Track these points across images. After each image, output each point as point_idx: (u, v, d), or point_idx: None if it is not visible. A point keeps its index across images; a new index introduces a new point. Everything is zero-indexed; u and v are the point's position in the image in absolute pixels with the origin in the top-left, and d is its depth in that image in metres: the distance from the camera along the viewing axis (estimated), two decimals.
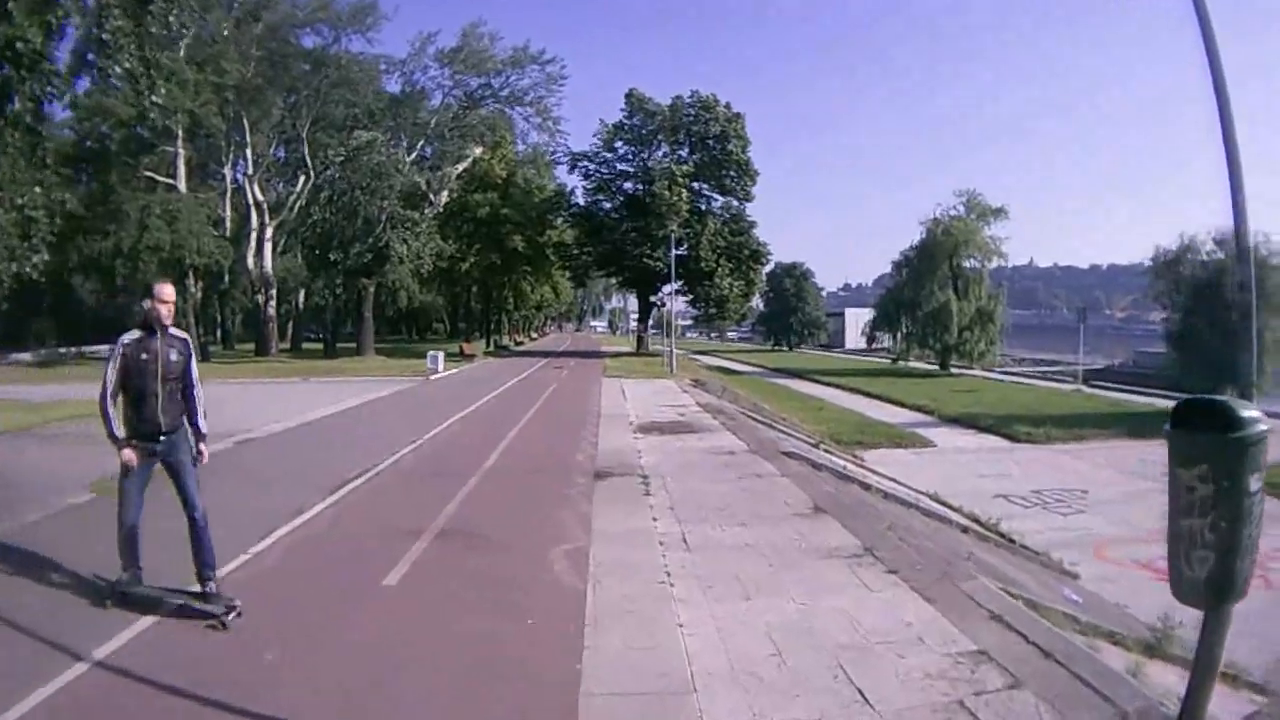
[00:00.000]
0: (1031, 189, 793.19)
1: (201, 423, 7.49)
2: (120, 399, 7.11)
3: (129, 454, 7.00)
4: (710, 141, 66.16)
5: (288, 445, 18.08)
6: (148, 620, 6.95)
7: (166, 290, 7.28)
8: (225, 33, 48.05)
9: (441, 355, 43.62)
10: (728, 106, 66.89)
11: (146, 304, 7.19)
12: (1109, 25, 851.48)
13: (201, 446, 7.52)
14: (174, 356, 7.24)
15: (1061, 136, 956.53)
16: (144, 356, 7.07)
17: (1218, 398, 4.33)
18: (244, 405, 24.30)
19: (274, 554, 9.13)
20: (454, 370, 44.69)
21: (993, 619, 6.94)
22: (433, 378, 39.71)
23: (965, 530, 14.67)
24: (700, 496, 12.11)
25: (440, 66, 62.27)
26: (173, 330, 7.33)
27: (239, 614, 7.01)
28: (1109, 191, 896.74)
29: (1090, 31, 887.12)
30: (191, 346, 7.56)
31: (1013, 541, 15.63)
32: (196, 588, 7.26)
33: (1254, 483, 4.11)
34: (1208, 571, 4.22)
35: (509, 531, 10.16)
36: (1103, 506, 20.68)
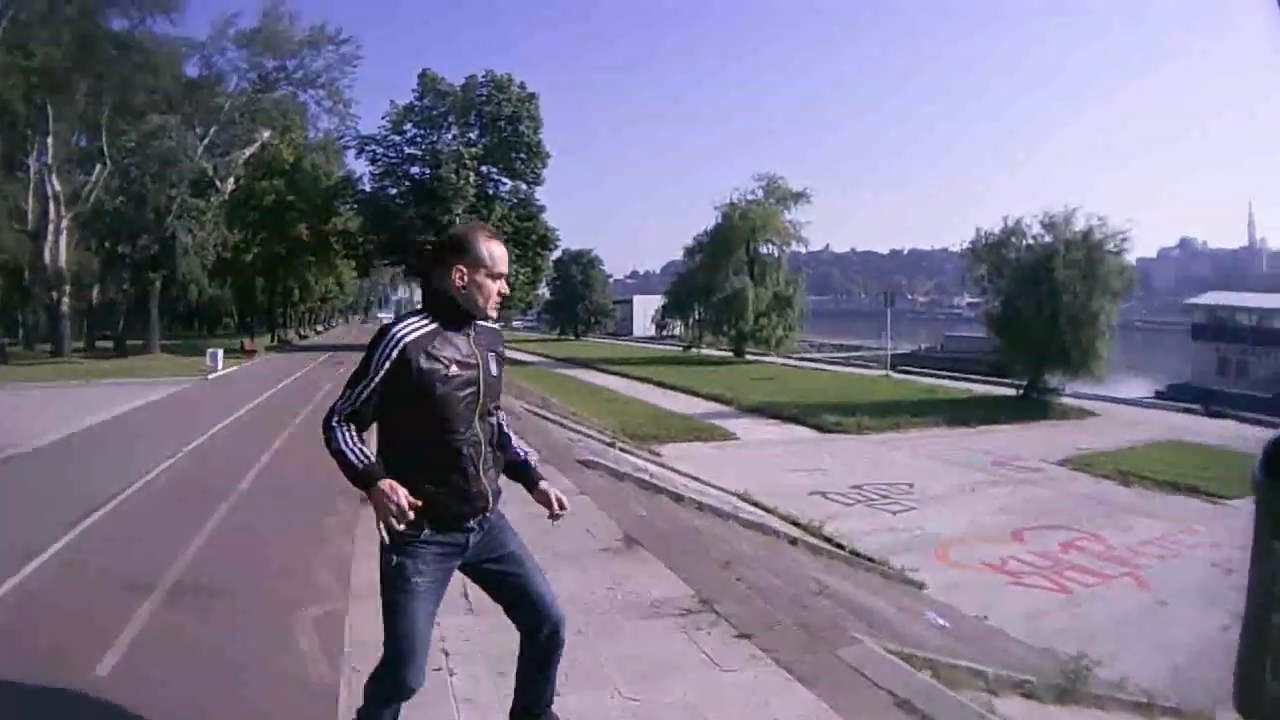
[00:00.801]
0: (830, 173, 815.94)
1: (529, 454, 4.72)
2: (382, 450, 4.01)
3: (397, 498, 3.66)
4: (501, 123, 65.86)
5: (53, 461, 16.82)
6: None
7: (500, 252, 4.07)
8: (40, 11, 46.97)
9: (221, 353, 43.02)
10: (522, 86, 67.00)
11: (458, 275, 3.95)
12: (917, 13, 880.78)
13: (550, 490, 4.56)
14: (494, 368, 4.15)
15: (863, 123, 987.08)
16: (451, 370, 3.90)
17: None
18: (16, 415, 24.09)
19: None
20: (233, 368, 43.86)
21: (898, 706, 5.30)
22: (211, 376, 39.00)
23: (794, 542, 13.18)
24: None
25: (239, 49, 60.84)
26: (482, 322, 4.16)
27: None
28: (911, 177, 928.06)
29: (897, 20, 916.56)
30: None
31: (841, 547, 14.30)
32: None
33: None
34: None
35: (252, 586, 8.29)
36: (933, 501, 19.65)
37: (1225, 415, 37.74)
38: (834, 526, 15.69)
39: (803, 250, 71.88)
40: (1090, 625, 11.68)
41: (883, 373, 52.08)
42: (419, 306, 4.13)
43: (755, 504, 16.90)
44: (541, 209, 68.80)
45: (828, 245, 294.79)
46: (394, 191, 67.38)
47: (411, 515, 3.64)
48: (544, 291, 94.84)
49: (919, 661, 6.45)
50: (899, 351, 64.28)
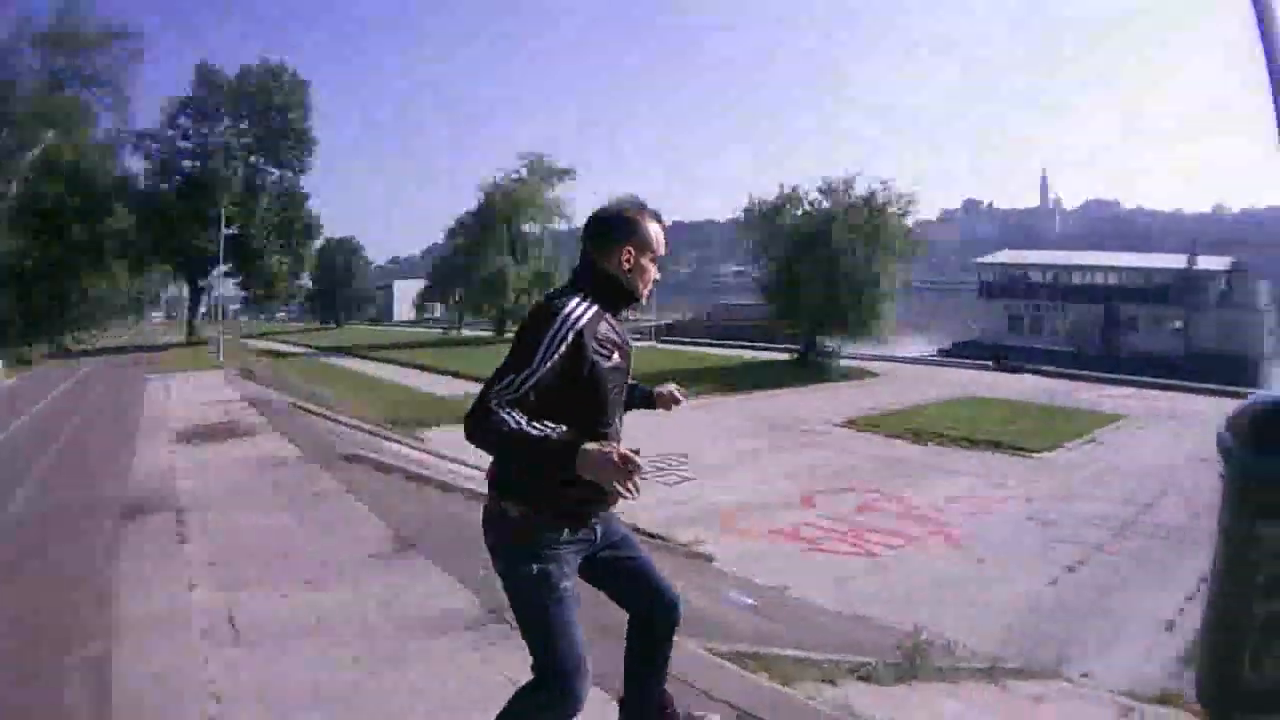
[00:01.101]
0: (592, 149, 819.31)
1: None
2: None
3: (613, 449, 3.02)
4: (272, 112, 66.09)
5: None
6: None
7: (663, 236, 3.76)
8: None
9: None
10: (294, 74, 67.41)
11: (626, 256, 3.61)
12: None
13: (664, 389, 4.33)
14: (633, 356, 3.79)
15: (625, 98, 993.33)
16: (614, 358, 3.53)
17: None
18: None
19: None
20: (7, 381, 42.29)
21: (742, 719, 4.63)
22: None
23: None
24: (250, 537, 9.25)
25: (33, 49, 59.68)
26: None
27: None
28: (675, 150, 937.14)
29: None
30: None
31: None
32: None
33: None
34: None
35: (12, 631, 7.06)
36: (712, 470, 19.29)
37: (1020, 370, 38.93)
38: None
39: (566, 227, 71.53)
40: (904, 589, 11.40)
41: (648, 343, 52.89)
42: (568, 285, 3.63)
43: None
44: (306, 197, 69.31)
45: None
46: (166, 187, 66.41)
47: (642, 462, 2.99)
48: (307, 281, 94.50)
49: (751, 662, 5.82)
50: (664, 322, 65.35)
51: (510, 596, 3.55)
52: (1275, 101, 3.09)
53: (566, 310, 3.35)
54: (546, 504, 3.40)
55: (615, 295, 3.58)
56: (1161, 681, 8.17)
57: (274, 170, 68.63)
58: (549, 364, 3.24)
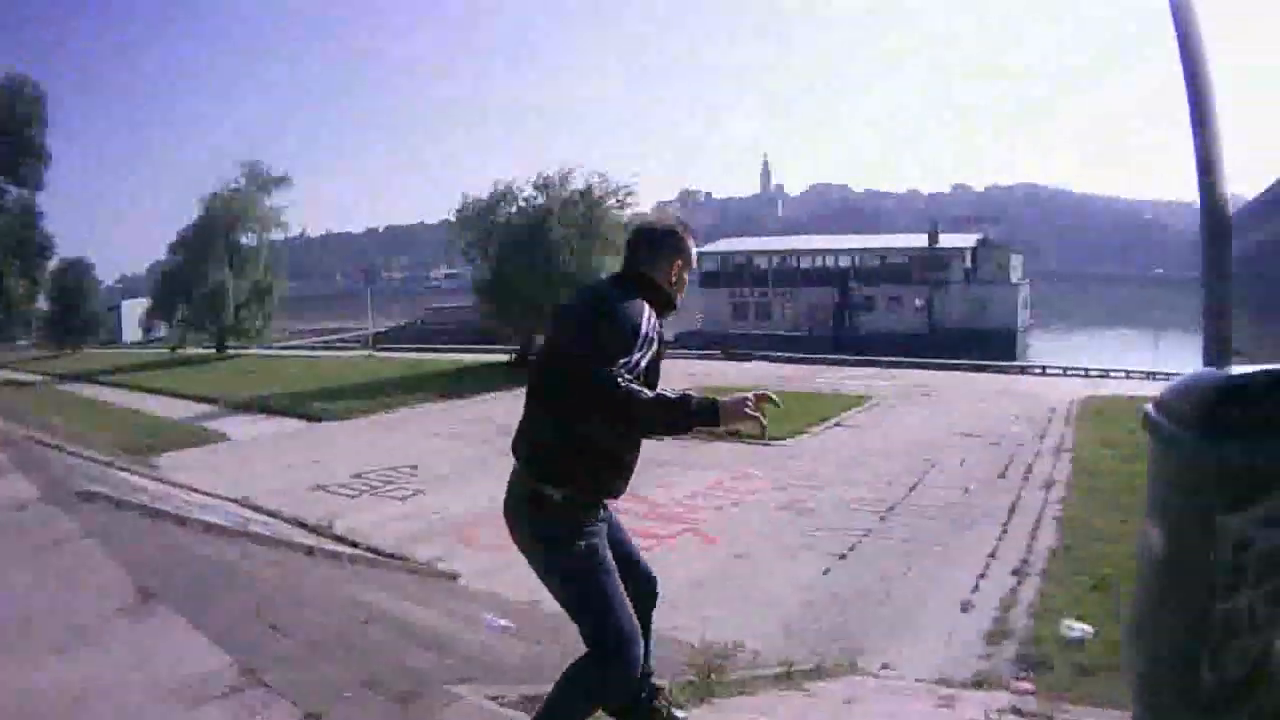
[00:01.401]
0: (304, 155, 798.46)
1: None
2: (563, 433, 3.63)
3: (749, 395, 3.45)
4: (12, 127, 60.33)
5: None
6: None
7: (695, 248, 4.13)
8: None
9: None
10: (35, 86, 62.29)
11: (675, 269, 3.98)
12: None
13: None
14: None
15: (328, 100, 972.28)
16: (663, 354, 3.78)
17: None
18: None
19: None
20: None
21: None
22: None
23: (311, 552, 11.80)
24: None
25: None
26: None
27: None
28: (384, 156, 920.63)
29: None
30: None
31: (357, 545, 13.22)
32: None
33: None
34: (1245, 671, 2.47)
35: None
36: (442, 481, 18.94)
37: (749, 358, 39.27)
38: (344, 523, 14.75)
39: (282, 236, 71.91)
40: (663, 593, 10.85)
41: (365, 352, 53.88)
42: (617, 282, 3.99)
43: (257, 509, 15.85)
44: (40, 215, 64.07)
45: (304, 230, 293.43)
46: None
47: (775, 396, 3.58)
48: (43, 304, 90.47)
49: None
50: (380, 330, 67.51)
51: (557, 577, 3.72)
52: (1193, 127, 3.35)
53: (649, 313, 3.62)
54: (587, 485, 3.66)
55: (659, 303, 3.79)
56: (971, 664, 8.17)
57: (13, 189, 62.20)
58: (652, 350, 3.53)
